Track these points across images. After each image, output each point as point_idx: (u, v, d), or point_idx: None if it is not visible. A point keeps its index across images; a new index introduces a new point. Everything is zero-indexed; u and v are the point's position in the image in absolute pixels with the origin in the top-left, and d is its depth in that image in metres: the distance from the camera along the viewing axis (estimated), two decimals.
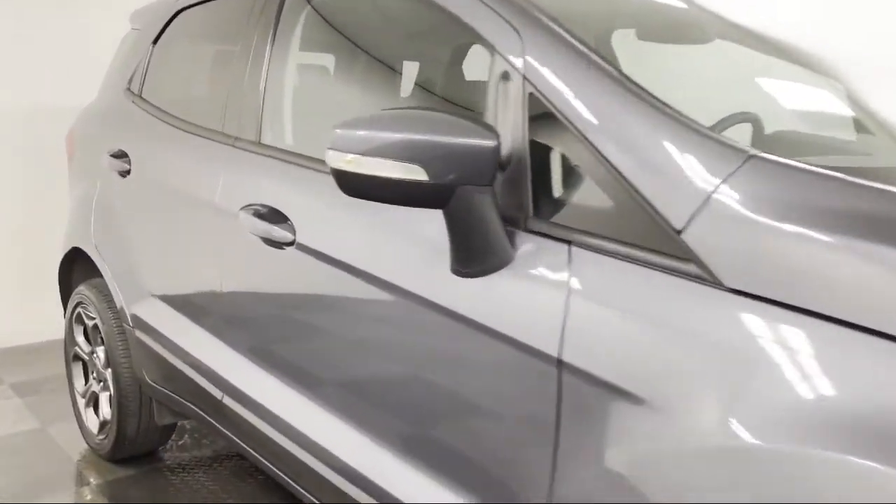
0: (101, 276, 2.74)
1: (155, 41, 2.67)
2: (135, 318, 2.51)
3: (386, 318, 1.53)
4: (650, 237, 1.12)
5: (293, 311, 1.82)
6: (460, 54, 2.13)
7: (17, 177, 4.02)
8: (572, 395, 1.16)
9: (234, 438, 2.10)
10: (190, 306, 2.26)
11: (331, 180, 1.43)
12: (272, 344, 1.89)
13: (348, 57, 2.26)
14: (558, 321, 1.18)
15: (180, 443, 3.02)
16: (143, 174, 2.42)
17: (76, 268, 3.01)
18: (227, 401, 2.05)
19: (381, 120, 1.26)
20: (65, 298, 3.09)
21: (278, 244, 1.77)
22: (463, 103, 2.08)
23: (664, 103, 1.20)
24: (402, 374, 1.51)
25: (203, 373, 2.17)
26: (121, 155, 2.53)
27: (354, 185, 1.28)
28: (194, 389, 2.24)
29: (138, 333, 2.51)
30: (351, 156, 1.25)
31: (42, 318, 3.94)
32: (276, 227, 1.77)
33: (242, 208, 1.90)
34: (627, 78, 1.26)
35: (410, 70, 2.14)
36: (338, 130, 1.28)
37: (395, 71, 2.10)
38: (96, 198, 2.69)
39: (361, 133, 1.25)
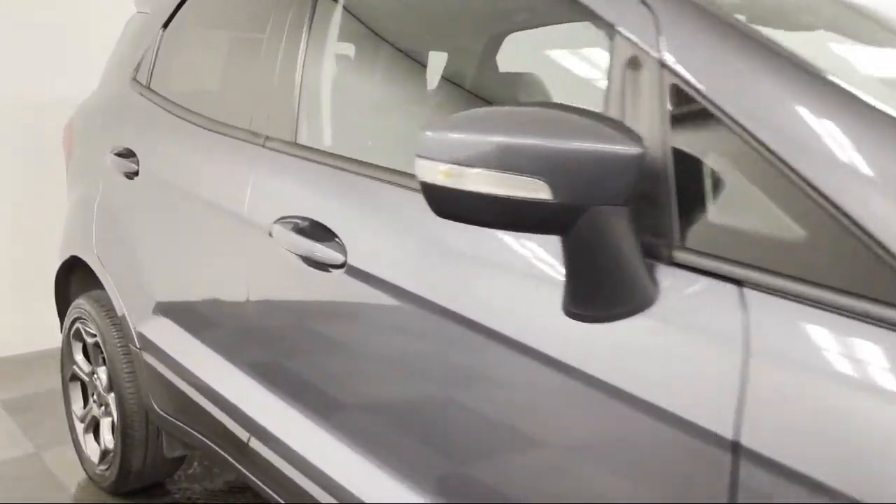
0: (102, 287, 2.43)
1: (165, 25, 2.35)
2: (143, 338, 2.20)
3: (467, 364, 1.23)
4: (872, 280, 0.82)
5: (341, 347, 1.51)
6: (563, 39, 1.80)
7: (11, 174, 3.69)
8: (754, 493, 0.86)
9: (261, 485, 1.79)
10: (209, 331, 1.95)
11: (393, 191, 1.12)
12: (313, 384, 1.59)
13: (407, 42, 1.95)
14: (732, 392, 0.87)
15: (189, 472, 2.71)
16: (154, 176, 2.11)
17: (74, 277, 2.69)
18: (255, 444, 1.74)
19: (489, 119, 0.95)
20: (61, 310, 2.78)
21: (323, 266, 1.46)
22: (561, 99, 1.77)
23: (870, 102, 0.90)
24: (492, 436, 1.20)
25: (226, 409, 1.86)
26: (127, 154, 2.22)
27: (451, 205, 0.97)
28: (214, 426, 1.93)
29: (146, 356, 2.20)
30: (447, 166, 0.94)
31: (36, 326, 3.63)
32: (320, 246, 1.47)
33: (277, 221, 1.59)
34: (816, 67, 0.95)
35: (483, 57, 1.83)
36: (429, 133, 0.97)
37: (463, 58, 1.79)
38: (98, 201, 2.37)
39: (462, 137, 0.94)
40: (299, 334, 1.60)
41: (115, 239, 2.29)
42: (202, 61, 2.29)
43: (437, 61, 1.84)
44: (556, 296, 1.04)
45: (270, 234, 1.60)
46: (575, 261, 0.99)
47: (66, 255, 2.57)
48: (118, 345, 2.34)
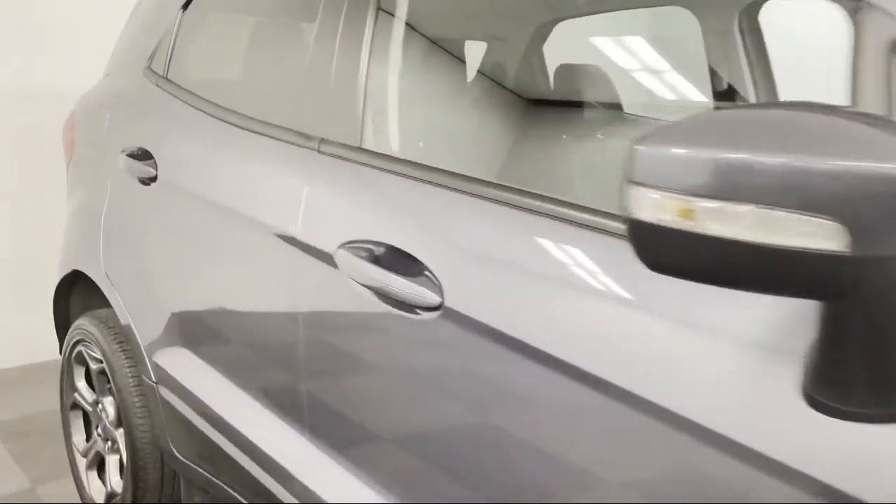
0: (107, 304, 2.10)
1: (185, 6, 2.01)
2: (160, 370, 1.87)
3: (630, 447, 0.91)
4: None
5: (431, 407, 1.18)
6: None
7: (4, 172, 3.34)
8: None
9: None
10: (245, 370, 1.62)
11: (506, 215, 0.81)
12: (384, 450, 1.26)
13: (502, 28, 1.62)
14: None
15: None
16: (175, 183, 1.77)
17: (76, 292, 2.35)
18: None
19: (747, 129, 0.63)
20: (60, 328, 2.44)
21: (410, 306, 1.14)
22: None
23: None
24: None
25: (260, 462, 1.54)
26: (142, 155, 1.88)
27: (680, 255, 0.65)
28: (244, 478, 1.61)
29: (164, 391, 1.87)
30: (685, 200, 0.62)
31: (32, 336, 3.29)
32: (404, 281, 1.14)
33: (343, 246, 1.26)
34: None
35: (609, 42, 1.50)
36: (647, 148, 0.65)
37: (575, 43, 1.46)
38: (106, 209, 2.03)
39: (711, 156, 0.62)
40: (368, 387, 1.28)
41: (127, 254, 1.96)
42: (231, 49, 1.95)
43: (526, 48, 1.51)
44: (753, 375, 0.73)
45: (333, 262, 1.28)
46: (845, 333, 0.68)
47: (68, 270, 2.23)
48: (129, 374, 2.01)
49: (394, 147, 1.38)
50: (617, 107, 2.25)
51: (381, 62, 1.39)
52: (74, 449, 2.33)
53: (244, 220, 1.53)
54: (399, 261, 1.17)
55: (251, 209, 1.51)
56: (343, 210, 1.31)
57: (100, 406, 2.18)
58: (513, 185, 1.10)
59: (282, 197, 1.44)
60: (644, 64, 2.47)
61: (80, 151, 2.27)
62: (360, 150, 1.34)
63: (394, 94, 1.41)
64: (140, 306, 1.92)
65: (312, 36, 1.49)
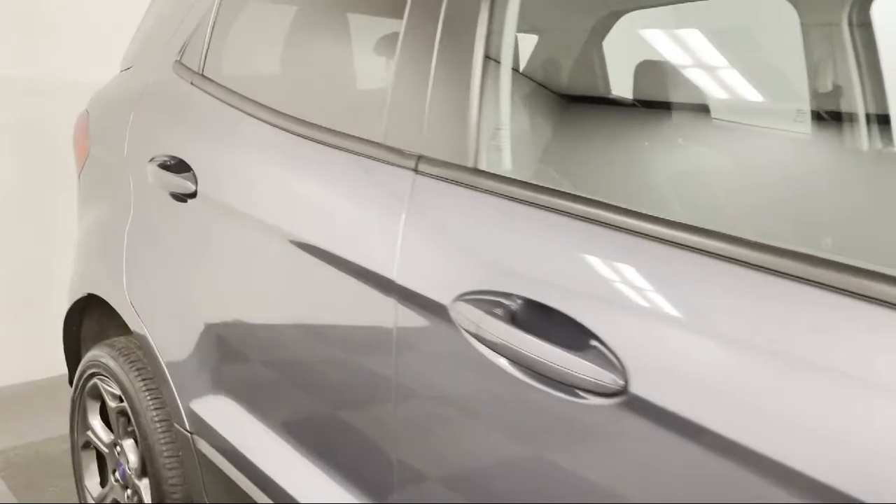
0: (127, 331, 1.81)
1: None
2: (197, 420, 1.58)
3: None
4: None
5: None
6: None
7: (7, 175, 3.02)
8: None
9: None
10: (312, 434, 1.33)
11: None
12: None
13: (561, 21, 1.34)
14: None
15: None
16: (223, 202, 1.47)
17: (90, 317, 2.06)
18: None
19: None
20: (70, 357, 2.14)
21: (569, 387, 0.86)
22: None
23: None
24: None
25: None
26: (176, 166, 1.58)
27: None
28: None
29: (201, 444, 1.58)
30: None
31: (32, 352, 3.00)
32: (561, 353, 0.86)
33: (463, 298, 0.98)
34: None
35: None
36: None
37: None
38: (130, 227, 1.73)
39: None
40: (501, 476, 0.99)
41: (157, 280, 1.66)
42: (285, 42, 1.65)
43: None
44: None
45: (447, 316, 0.99)
46: None
47: (82, 293, 1.93)
48: (156, 418, 1.72)
49: (518, 169, 1.10)
50: (698, 109, 1.98)
51: (497, 66, 1.10)
52: (87, 494, 2.04)
53: (315, 253, 1.24)
54: (552, 324, 0.88)
55: (325, 239, 1.22)
56: (462, 252, 1.03)
57: (118, 449, 1.89)
58: (699, 226, 0.82)
59: (367, 227, 1.16)
60: (728, 61, 2.19)
61: (95, 157, 1.96)
62: (477, 171, 1.06)
63: (514, 102, 1.13)
64: (174, 343, 1.63)
65: (401, 31, 1.20)
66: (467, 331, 0.96)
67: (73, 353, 2.12)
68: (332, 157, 1.27)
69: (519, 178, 1.02)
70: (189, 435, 1.60)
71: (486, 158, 1.06)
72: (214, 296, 1.51)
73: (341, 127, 1.29)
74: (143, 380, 1.76)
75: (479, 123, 1.07)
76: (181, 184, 1.54)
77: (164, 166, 1.61)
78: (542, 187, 0.98)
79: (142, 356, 1.79)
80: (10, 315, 3.09)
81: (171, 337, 1.64)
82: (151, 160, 1.65)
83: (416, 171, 1.12)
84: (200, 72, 1.68)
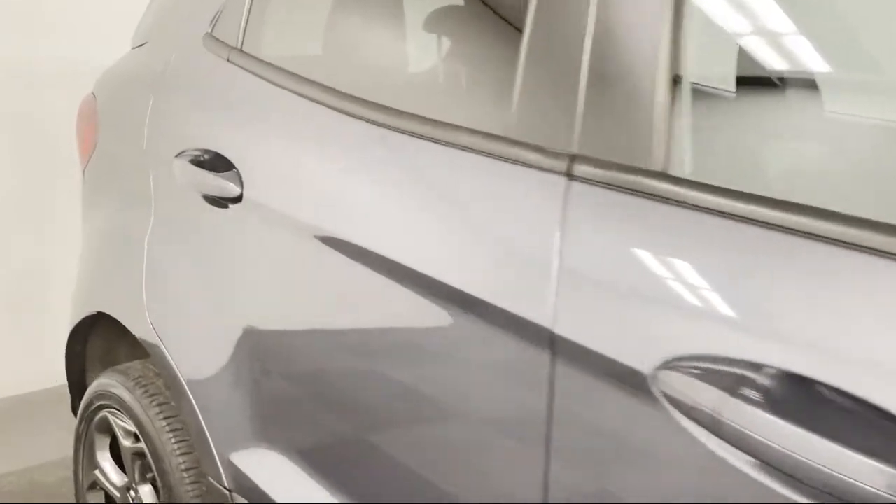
0: (143, 354, 1.51)
1: None
2: (238, 476, 1.27)
3: None
4: None
5: None
6: None
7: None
8: None
9: None
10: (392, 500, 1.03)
11: None
12: None
13: None
14: None
15: None
16: (278, 210, 1.16)
17: (95, 332, 1.74)
18: None
19: None
20: (73, 382, 1.82)
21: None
22: None
23: None
24: None
25: None
26: (213, 163, 1.26)
27: None
28: None
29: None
30: None
31: (27, 362, 2.68)
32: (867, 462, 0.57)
33: (671, 364, 0.68)
34: None
35: None
36: None
37: None
38: (151, 235, 1.42)
39: None
40: None
41: (188, 301, 1.35)
42: (358, 10, 1.33)
43: None
44: None
45: (646, 388, 0.69)
46: None
47: (89, 311, 1.61)
48: (183, 466, 1.41)
49: (722, 174, 0.80)
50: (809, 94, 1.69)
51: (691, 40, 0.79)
52: None
53: (415, 281, 0.93)
54: (826, 411, 0.59)
55: (431, 266, 0.92)
56: (664, 294, 0.72)
57: (133, 494, 1.58)
58: None
59: (501, 252, 0.85)
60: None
61: (104, 149, 1.64)
62: (666, 177, 0.75)
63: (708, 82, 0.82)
64: (209, 379, 1.31)
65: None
66: (691, 416, 0.66)
67: (76, 376, 1.81)
68: (432, 155, 0.96)
69: (739, 189, 0.71)
70: (227, 493, 1.30)
71: (680, 159, 0.76)
72: (266, 324, 1.20)
73: (439, 114, 0.98)
74: (166, 418, 1.45)
75: (669, 108, 0.76)
76: (221, 185, 1.22)
77: (197, 162, 1.30)
78: (780, 201, 0.68)
79: (163, 388, 1.48)
80: (4, 320, 2.77)
81: (205, 370, 1.33)
82: (180, 154, 1.34)
83: (569, 175, 0.82)
84: (239, 46, 1.36)
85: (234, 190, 1.20)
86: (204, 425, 1.31)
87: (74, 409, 1.77)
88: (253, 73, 1.29)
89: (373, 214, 1.01)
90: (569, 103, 0.83)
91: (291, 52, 1.35)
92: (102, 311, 1.56)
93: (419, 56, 1.23)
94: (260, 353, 1.21)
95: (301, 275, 1.12)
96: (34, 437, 2.54)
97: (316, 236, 1.08)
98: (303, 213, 1.10)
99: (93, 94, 1.75)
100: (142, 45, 1.67)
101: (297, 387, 1.19)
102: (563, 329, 0.76)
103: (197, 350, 1.33)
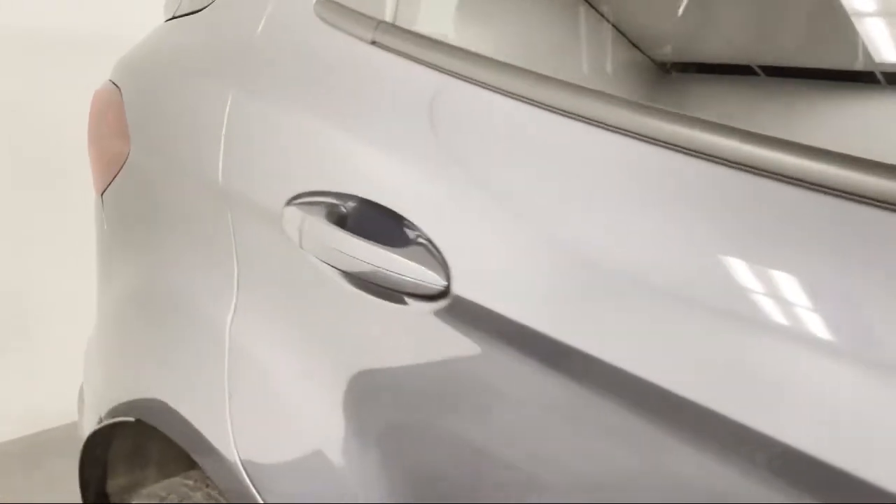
0: (191, 464, 0.99)
1: None
2: None
3: None
4: None
5: None
6: None
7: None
8: None
9: None
10: None
11: None
12: None
13: None
14: None
15: None
16: (544, 335, 0.62)
17: (122, 434, 1.20)
18: None
19: None
20: (90, 485, 1.28)
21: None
22: None
23: None
24: None
25: None
26: (369, 222, 0.73)
27: None
28: None
29: None
30: None
31: (26, 402, 2.17)
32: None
33: None
34: None
35: None
36: None
37: None
38: (237, 323, 0.87)
39: None
40: None
41: (315, 439, 0.80)
42: None
43: None
44: None
45: None
46: None
47: (124, 417, 1.06)
48: None
49: None
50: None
51: None
52: None
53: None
54: None
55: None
56: None
57: None
58: None
59: None
60: None
61: (138, 168, 1.08)
62: None
63: None
64: None
65: None
66: None
67: (95, 483, 1.27)
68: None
69: None
70: None
71: None
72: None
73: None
74: None
75: None
76: (396, 266, 0.68)
77: (335, 217, 0.75)
78: None
79: None
80: (14, 354, 2.21)
81: None
82: (296, 200, 0.79)
83: None
84: (393, 20, 0.82)
85: (427, 279, 0.66)
86: None
87: None
88: (437, 67, 0.74)
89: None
90: None
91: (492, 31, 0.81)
92: (146, 421, 1.02)
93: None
94: None
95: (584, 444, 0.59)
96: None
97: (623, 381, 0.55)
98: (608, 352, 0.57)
99: (113, 83, 1.18)
100: (187, 14, 1.11)
101: None
102: None
103: None
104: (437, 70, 0.74)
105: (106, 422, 1.10)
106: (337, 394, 0.78)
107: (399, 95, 0.75)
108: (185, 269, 0.96)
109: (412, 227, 0.69)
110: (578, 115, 0.64)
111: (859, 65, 0.71)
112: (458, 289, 0.65)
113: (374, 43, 0.81)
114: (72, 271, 2.11)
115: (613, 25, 0.94)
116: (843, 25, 0.76)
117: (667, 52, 1.03)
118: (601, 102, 0.63)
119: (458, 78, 0.72)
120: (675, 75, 0.95)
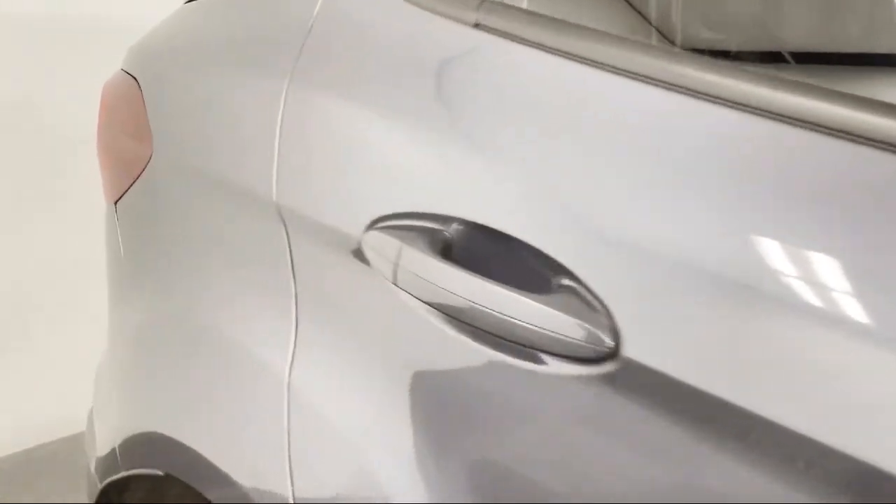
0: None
1: None
2: None
3: None
4: None
5: None
6: None
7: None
8: None
9: None
10: None
11: None
12: None
13: None
14: None
15: None
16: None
17: (138, 483, 1.03)
18: None
19: None
20: None
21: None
22: None
23: None
24: None
25: None
26: (496, 258, 0.56)
27: None
28: None
29: None
30: None
31: (25, 414, 2.04)
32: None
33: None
34: None
35: None
36: None
37: None
38: (298, 368, 0.71)
39: None
40: None
41: None
42: None
43: None
44: None
45: None
46: None
47: (146, 470, 0.90)
48: None
49: None
50: None
51: None
52: None
53: None
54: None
55: None
56: None
57: None
58: None
59: None
60: None
61: (162, 173, 0.91)
62: None
63: None
64: None
65: None
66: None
67: None
68: None
69: None
70: None
71: None
72: None
73: None
74: None
75: None
76: (545, 329, 0.52)
77: (440, 247, 0.59)
78: None
79: None
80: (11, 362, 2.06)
81: None
82: (379, 223, 0.63)
83: None
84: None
85: (585, 338, 0.50)
86: None
87: None
88: (569, 55, 0.58)
89: None
90: None
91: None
92: (177, 476, 0.85)
93: None
94: None
95: None
96: None
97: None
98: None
99: (128, 73, 1.01)
100: None
101: None
102: None
103: None
104: (567, 58, 0.58)
105: (124, 473, 0.93)
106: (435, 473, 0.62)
107: (517, 90, 0.59)
108: (229, 301, 0.79)
109: (558, 268, 0.53)
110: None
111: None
112: (631, 351, 0.49)
113: (477, 26, 0.64)
114: (72, 271, 1.98)
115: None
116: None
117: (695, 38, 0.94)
118: None
119: (603, 69, 0.56)
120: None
